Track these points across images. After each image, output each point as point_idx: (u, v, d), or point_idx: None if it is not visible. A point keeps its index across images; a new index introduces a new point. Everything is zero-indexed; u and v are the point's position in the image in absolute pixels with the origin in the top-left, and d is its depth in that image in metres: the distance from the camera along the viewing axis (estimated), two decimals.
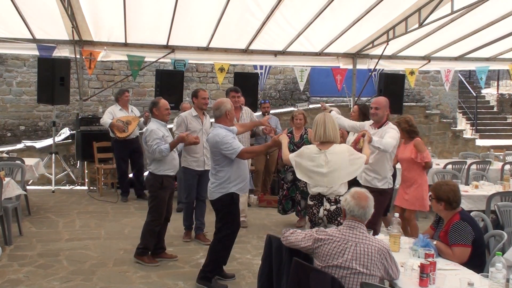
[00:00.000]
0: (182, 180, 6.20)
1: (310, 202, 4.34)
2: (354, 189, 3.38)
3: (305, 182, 6.61)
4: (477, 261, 3.69)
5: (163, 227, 5.44)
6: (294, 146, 6.60)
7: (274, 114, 9.39)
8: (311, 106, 12.37)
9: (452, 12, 7.82)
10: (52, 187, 8.82)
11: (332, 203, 4.21)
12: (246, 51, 10.16)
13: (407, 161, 5.77)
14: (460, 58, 11.40)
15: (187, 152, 5.91)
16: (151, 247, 5.34)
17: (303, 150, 4.32)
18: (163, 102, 5.31)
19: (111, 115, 8.23)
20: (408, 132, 5.81)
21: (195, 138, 5.39)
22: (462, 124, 15.43)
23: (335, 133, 4.25)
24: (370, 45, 10.24)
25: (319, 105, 8.98)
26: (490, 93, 17.11)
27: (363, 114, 6.30)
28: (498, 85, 16.83)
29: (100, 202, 8.19)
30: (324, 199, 4.22)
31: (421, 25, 8.45)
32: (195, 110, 6.09)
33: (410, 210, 5.75)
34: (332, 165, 4.15)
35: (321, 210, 4.22)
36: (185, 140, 5.20)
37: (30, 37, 9.01)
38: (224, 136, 4.49)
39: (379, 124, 5.24)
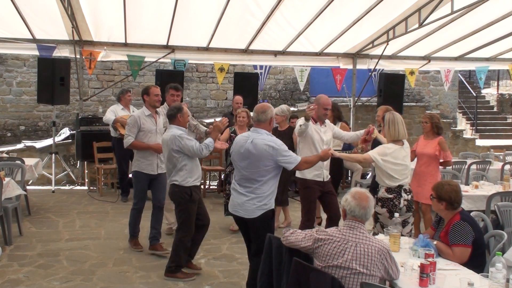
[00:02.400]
0: (134, 185, 5.77)
1: (389, 196, 4.75)
2: (355, 190, 3.38)
3: None
4: (477, 261, 3.68)
5: (200, 235, 5.18)
6: None
7: None
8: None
9: (452, 12, 7.82)
10: (52, 187, 8.82)
11: (408, 193, 4.80)
12: (246, 51, 10.15)
13: (428, 156, 5.96)
14: (460, 58, 11.39)
15: (140, 155, 5.60)
16: (183, 264, 5.02)
17: (385, 150, 4.76)
18: (186, 109, 5.05)
19: (113, 113, 8.24)
20: (438, 128, 6.10)
21: (222, 124, 5.08)
22: (462, 124, 15.43)
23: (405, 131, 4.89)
24: (370, 45, 10.23)
25: None
26: (490, 93, 17.11)
27: (338, 109, 6.61)
28: (498, 85, 16.82)
29: (100, 202, 8.19)
30: (402, 190, 4.74)
31: (421, 25, 8.45)
32: (147, 109, 5.69)
33: (426, 204, 5.83)
34: (409, 158, 4.87)
35: (402, 201, 4.73)
36: (221, 127, 5.00)
37: (30, 37, 9.01)
38: (281, 144, 4.12)
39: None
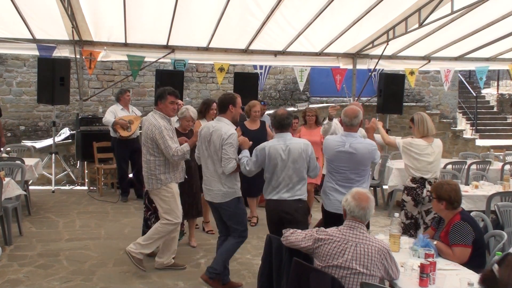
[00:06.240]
0: (240, 212, 4.66)
1: (413, 185, 5.20)
2: (355, 190, 3.37)
3: None
4: (477, 261, 3.68)
5: None
6: None
7: None
8: (310, 106, 12.38)
9: (452, 12, 7.83)
10: (52, 187, 8.82)
11: None
12: (246, 51, 10.16)
13: (316, 144, 6.23)
14: (460, 58, 11.40)
15: (237, 179, 4.60)
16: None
17: (412, 142, 5.21)
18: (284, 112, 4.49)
19: (113, 114, 8.23)
20: (317, 120, 7.09)
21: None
22: (462, 124, 15.43)
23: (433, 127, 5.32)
24: (370, 45, 10.24)
25: (319, 105, 9.02)
26: (490, 93, 17.11)
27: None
28: (498, 85, 16.83)
29: (100, 202, 8.19)
30: (426, 182, 5.14)
31: (421, 25, 8.45)
32: (231, 123, 4.60)
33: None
34: (436, 155, 5.21)
35: (424, 191, 5.13)
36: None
37: (30, 37, 9.01)
38: (375, 144, 4.49)
39: None
